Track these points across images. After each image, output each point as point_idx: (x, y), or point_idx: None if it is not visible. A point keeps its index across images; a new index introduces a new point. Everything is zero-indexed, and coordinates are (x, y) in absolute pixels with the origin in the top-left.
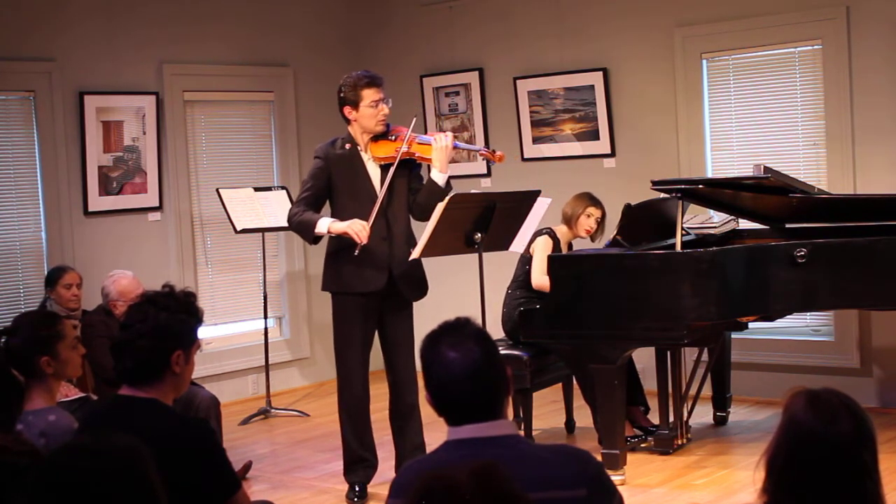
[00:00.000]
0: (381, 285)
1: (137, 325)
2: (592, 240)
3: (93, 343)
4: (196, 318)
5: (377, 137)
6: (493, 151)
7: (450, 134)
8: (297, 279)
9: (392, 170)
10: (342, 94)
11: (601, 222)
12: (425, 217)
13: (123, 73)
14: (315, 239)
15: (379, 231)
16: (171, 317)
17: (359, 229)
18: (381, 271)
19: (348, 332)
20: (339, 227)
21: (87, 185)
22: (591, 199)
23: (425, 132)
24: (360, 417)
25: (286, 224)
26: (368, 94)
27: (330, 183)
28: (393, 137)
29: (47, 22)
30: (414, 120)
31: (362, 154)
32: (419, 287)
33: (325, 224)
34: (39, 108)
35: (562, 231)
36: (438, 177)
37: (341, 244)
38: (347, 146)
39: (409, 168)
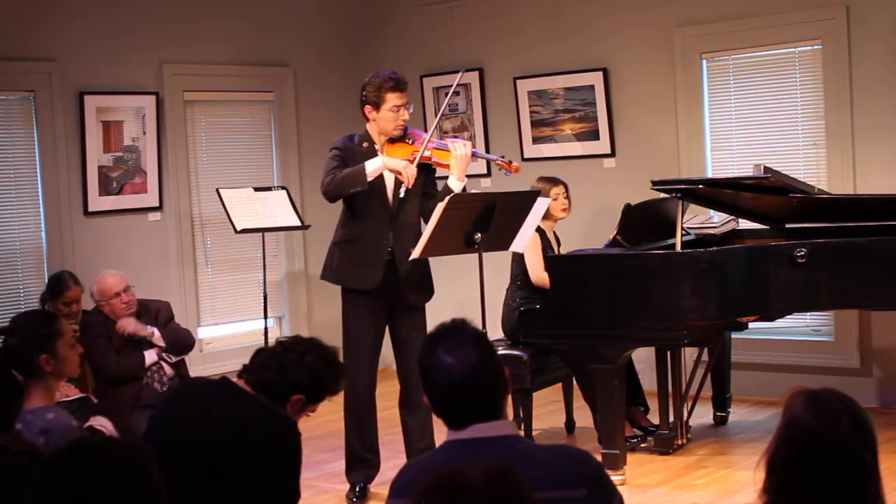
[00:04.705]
0: (374, 284)
1: (297, 351)
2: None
3: (93, 343)
4: (334, 391)
5: (394, 140)
6: (510, 162)
7: (468, 142)
8: (297, 279)
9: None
10: (365, 93)
11: (568, 195)
12: None
13: (123, 73)
14: (364, 183)
15: (383, 231)
16: (326, 369)
17: (411, 173)
18: (377, 269)
19: (356, 333)
20: (395, 163)
21: (87, 185)
22: (548, 181)
23: (441, 138)
24: (364, 419)
25: (322, 192)
26: (391, 98)
27: None
28: (410, 141)
29: (47, 22)
30: (434, 127)
31: (379, 154)
32: (424, 290)
33: (378, 162)
34: (39, 108)
35: (544, 223)
36: (456, 184)
37: (346, 234)
38: (365, 144)
39: (426, 173)
